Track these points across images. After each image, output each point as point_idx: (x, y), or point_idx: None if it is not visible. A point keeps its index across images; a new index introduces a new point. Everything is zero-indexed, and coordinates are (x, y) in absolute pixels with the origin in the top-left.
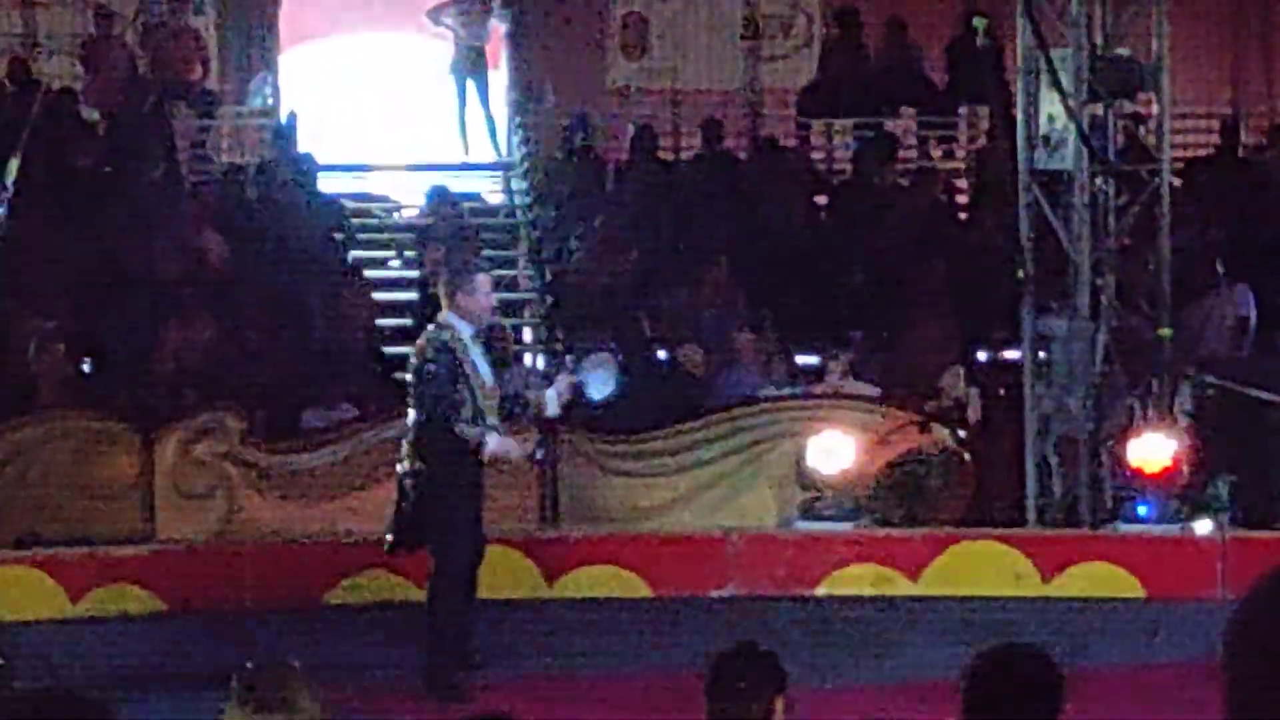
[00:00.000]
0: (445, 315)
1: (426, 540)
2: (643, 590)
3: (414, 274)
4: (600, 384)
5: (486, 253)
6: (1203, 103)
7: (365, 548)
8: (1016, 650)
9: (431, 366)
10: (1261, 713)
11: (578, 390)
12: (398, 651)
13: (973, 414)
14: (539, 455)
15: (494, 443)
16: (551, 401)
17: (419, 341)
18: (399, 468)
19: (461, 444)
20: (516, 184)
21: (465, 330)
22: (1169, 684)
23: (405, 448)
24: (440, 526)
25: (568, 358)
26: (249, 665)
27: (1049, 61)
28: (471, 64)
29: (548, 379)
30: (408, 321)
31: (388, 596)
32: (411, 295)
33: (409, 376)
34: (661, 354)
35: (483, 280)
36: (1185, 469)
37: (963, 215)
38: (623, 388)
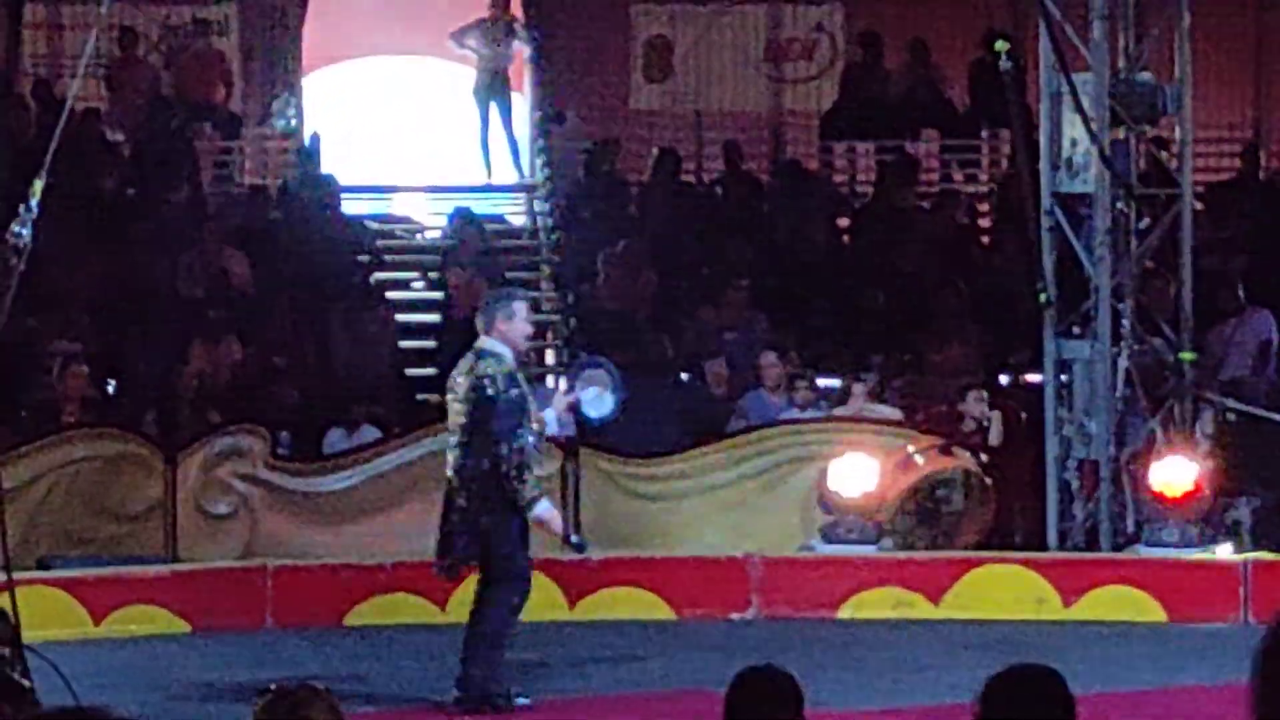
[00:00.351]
0: (489, 342)
1: (489, 567)
2: (664, 612)
3: (437, 296)
4: (596, 402)
5: (509, 274)
6: (1225, 126)
7: (386, 570)
8: (1029, 671)
9: (503, 398)
10: None
11: (576, 409)
12: (419, 673)
13: (994, 437)
14: (575, 540)
15: (543, 509)
16: (551, 422)
17: (478, 368)
18: (459, 498)
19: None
20: (539, 206)
21: (510, 358)
22: (1192, 708)
23: (463, 474)
24: (506, 555)
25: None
26: (271, 686)
27: (1071, 85)
28: (494, 86)
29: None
30: (431, 343)
31: (409, 619)
32: (434, 317)
33: (461, 403)
34: (685, 375)
35: (521, 307)
36: (1207, 493)
37: (985, 238)
38: (622, 405)
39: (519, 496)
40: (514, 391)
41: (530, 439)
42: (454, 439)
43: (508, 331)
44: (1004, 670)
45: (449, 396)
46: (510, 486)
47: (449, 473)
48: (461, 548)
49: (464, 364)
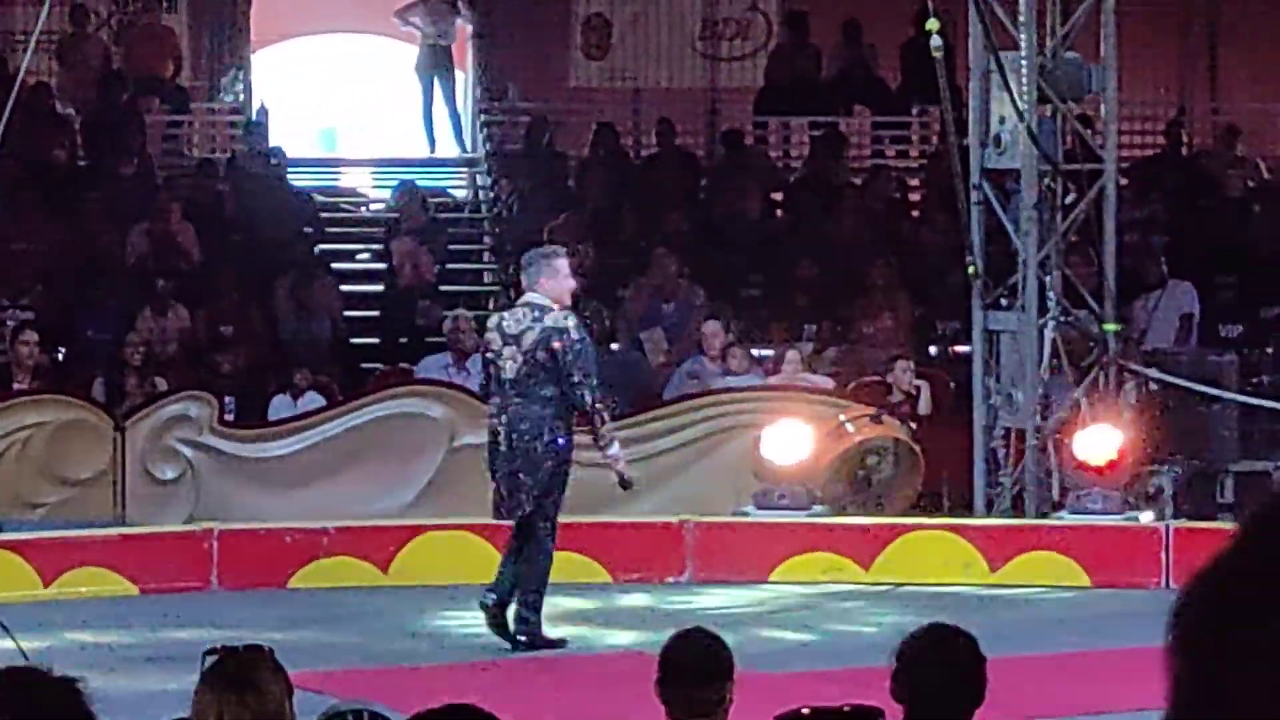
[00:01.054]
0: (537, 296)
1: (542, 513)
2: (601, 576)
3: (381, 267)
4: None
5: (452, 246)
6: (1149, 104)
7: (330, 534)
8: (941, 631)
9: (584, 342)
10: (1200, 694)
11: None
12: (361, 634)
13: (923, 406)
14: (626, 477)
15: (618, 448)
16: None
17: (548, 320)
18: (537, 443)
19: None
20: (481, 179)
21: None
22: (1113, 670)
23: (543, 420)
24: (557, 502)
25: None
26: (218, 647)
27: (1000, 64)
28: (438, 62)
29: None
30: (375, 313)
31: (351, 581)
32: (378, 288)
33: (524, 352)
34: (619, 345)
35: (564, 263)
36: (1130, 461)
37: (915, 213)
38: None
39: (600, 434)
40: (586, 337)
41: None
42: (511, 389)
43: (552, 287)
44: (918, 630)
45: (506, 350)
46: (596, 424)
47: (503, 419)
48: (528, 489)
49: (520, 317)
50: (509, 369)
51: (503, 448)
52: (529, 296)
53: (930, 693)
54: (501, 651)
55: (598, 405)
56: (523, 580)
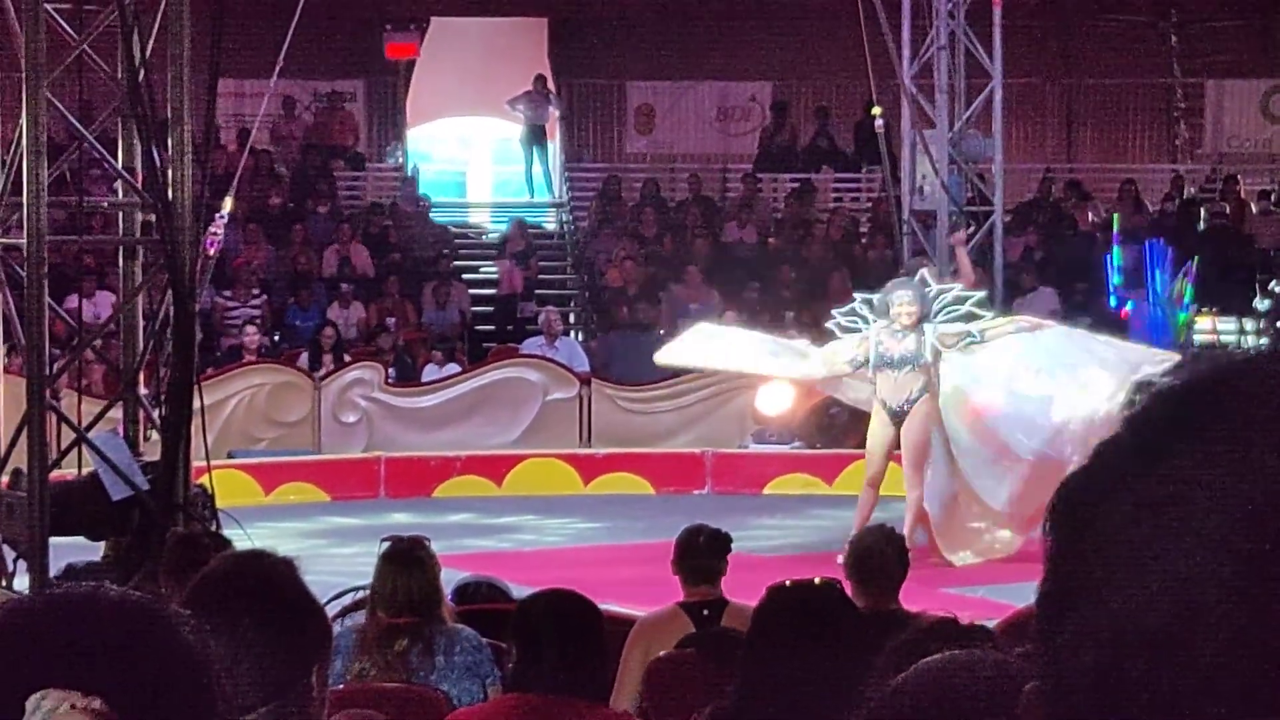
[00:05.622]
0: None
1: None
2: (647, 489)
3: (496, 276)
4: None
5: (545, 263)
6: (1026, 165)
7: (461, 460)
8: (876, 530)
9: None
10: (1066, 566)
11: None
12: (482, 528)
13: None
14: None
15: None
16: None
17: None
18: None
19: None
20: (565, 217)
21: None
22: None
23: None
24: None
25: None
26: (391, 536)
27: (923, 139)
28: (535, 137)
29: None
30: (490, 309)
31: (475, 493)
32: (493, 291)
33: None
34: (663, 330)
35: None
36: None
37: (864, 240)
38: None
39: None
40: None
41: None
42: None
43: None
44: (863, 530)
45: None
46: None
47: None
48: None
49: None
50: None
51: None
52: None
53: (871, 569)
54: (579, 541)
55: None
56: None
